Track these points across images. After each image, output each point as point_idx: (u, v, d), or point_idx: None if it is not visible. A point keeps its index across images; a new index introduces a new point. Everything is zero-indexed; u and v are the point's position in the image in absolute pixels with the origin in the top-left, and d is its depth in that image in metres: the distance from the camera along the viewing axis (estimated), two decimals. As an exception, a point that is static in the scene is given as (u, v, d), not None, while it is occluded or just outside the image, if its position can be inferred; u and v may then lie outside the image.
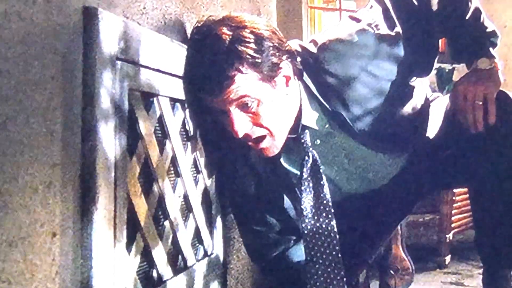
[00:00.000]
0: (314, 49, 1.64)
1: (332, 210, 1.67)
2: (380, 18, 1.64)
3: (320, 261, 1.67)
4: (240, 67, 1.43)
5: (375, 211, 1.91)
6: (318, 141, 1.70)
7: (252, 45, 1.44)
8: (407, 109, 1.73)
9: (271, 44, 1.48)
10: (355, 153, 1.74)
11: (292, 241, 1.86)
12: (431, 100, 1.87)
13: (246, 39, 1.44)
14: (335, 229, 1.67)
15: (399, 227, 2.39)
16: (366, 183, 1.84)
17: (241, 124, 1.48)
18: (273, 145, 1.57)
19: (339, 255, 1.66)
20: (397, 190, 1.87)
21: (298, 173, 1.70)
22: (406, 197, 1.95)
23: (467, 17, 1.72)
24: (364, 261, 2.10)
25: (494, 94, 1.63)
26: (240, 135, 1.49)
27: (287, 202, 1.84)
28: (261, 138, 1.55)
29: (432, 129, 1.81)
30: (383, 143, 1.71)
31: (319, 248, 1.67)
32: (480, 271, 1.87)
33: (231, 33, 1.43)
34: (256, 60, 1.44)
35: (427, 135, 1.81)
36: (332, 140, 1.71)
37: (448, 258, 3.05)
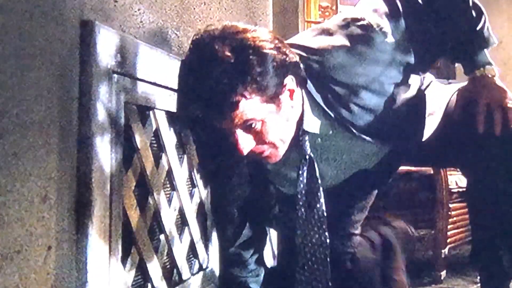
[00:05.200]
0: (316, 52, 1.61)
1: (325, 222, 1.68)
2: (387, 23, 1.62)
3: (310, 270, 1.68)
4: (244, 92, 1.40)
5: (359, 177, 1.91)
6: (319, 140, 1.70)
7: (256, 68, 1.40)
8: (405, 102, 1.72)
9: (276, 63, 1.45)
10: (355, 148, 1.74)
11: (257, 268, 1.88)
12: (425, 87, 1.87)
13: (250, 62, 1.40)
14: (327, 241, 1.67)
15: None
16: (361, 168, 1.84)
17: (246, 144, 1.48)
18: (275, 154, 1.56)
19: (328, 266, 1.67)
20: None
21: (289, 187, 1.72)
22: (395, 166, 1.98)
23: (476, 22, 1.73)
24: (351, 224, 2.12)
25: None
26: (245, 153, 1.49)
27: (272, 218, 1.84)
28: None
29: (430, 121, 1.80)
30: (385, 138, 1.71)
31: (311, 257, 1.68)
32: (476, 286, 1.86)
33: (233, 55, 1.40)
34: (261, 83, 1.41)
35: (425, 127, 1.80)
36: (333, 139, 1.71)
37: (443, 274, 3.03)
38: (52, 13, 1.19)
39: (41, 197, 1.15)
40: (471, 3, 1.73)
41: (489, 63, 1.76)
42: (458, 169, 2.12)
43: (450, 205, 3.03)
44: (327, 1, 5.60)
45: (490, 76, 1.74)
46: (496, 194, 1.68)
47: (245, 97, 1.40)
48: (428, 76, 1.92)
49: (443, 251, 3.03)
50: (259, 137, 1.49)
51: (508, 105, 1.66)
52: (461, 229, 3.16)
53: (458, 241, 3.16)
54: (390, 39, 1.61)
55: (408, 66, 1.65)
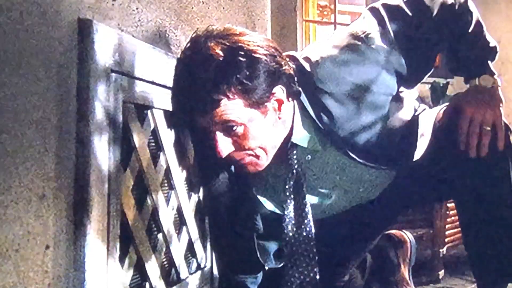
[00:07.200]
0: (308, 67, 1.62)
1: (313, 230, 1.67)
2: (375, 30, 1.62)
3: (299, 268, 1.67)
4: (227, 93, 1.40)
5: (361, 220, 1.91)
6: (309, 157, 1.69)
7: (244, 71, 1.40)
8: (398, 122, 1.71)
9: (266, 69, 1.44)
10: (347, 169, 1.73)
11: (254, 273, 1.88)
12: (418, 113, 1.85)
13: (238, 63, 1.40)
14: (313, 238, 1.67)
15: (409, 249, 2.38)
16: (357, 196, 1.83)
17: (224, 146, 1.48)
18: (255, 162, 1.56)
19: (316, 264, 1.67)
20: (385, 201, 1.86)
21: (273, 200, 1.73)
22: (393, 208, 1.95)
23: (470, 30, 1.69)
24: (347, 268, 2.12)
25: (501, 118, 1.60)
26: (223, 155, 1.49)
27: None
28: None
29: (421, 143, 1.78)
30: (376, 158, 1.70)
31: (299, 256, 1.68)
32: (474, 285, 1.86)
33: (223, 54, 1.40)
34: (246, 87, 1.41)
35: (416, 148, 1.78)
36: (324, 156, 1.70)
37: (441, 273, 3.03)
38: (50, 12, 1.19)
39: (39, 196, 1.15)
40: (467, 12, 1.70)
41: (486, 73, 1.68)
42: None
43: (448, 205, 3.03)
44: (325, 0, 5.61)
45: (487, 86, 1.66)
46: (485, 204, 1.66)
47: (228, 97, 1.41)
48: (422, 106, 1.90)
49: (441, 250, 3.03)
50: (239, 142, 1.49)
51: (497, 122, 1.59)
52: (459, 229, 3.16)
53: (456, 241, 3.17)
54: (379, 43, 1.60)
55: (400, 75, 1.64)
